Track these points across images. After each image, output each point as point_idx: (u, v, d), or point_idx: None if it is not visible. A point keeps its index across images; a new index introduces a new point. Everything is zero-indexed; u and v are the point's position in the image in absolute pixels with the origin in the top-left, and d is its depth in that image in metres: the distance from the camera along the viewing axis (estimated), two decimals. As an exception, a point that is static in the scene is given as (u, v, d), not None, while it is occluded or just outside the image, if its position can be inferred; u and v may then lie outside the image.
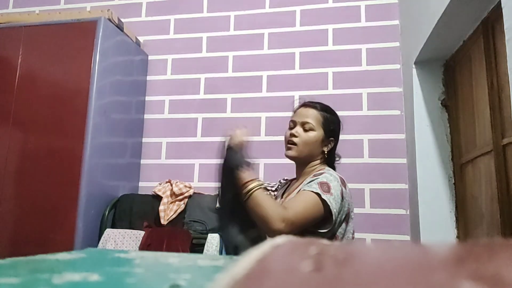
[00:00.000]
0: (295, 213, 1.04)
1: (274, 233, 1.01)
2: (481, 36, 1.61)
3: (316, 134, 1.25)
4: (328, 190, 1.10)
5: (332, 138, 1.29)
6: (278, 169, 2.18)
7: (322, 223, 1.10)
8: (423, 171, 1.97)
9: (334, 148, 1.31)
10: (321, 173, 1.17)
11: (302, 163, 1.30)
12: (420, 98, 2.03)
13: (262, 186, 1.10)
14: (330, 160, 1.31)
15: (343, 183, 1.17)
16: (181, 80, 2.57)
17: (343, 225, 1.16)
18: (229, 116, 2.45)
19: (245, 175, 1.11)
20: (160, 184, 2.30)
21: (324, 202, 1.07)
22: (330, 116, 1.30)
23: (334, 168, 1.32)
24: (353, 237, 1.23)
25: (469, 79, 1.78)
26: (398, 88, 2.31)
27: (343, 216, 1.15)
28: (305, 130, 1.25)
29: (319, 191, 1.08)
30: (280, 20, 2.52)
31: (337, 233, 1.15)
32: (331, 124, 1.28)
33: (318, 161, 1.29)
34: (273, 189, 1.66)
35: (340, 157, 1.36)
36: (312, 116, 1.26)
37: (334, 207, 1.08)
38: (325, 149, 1.27)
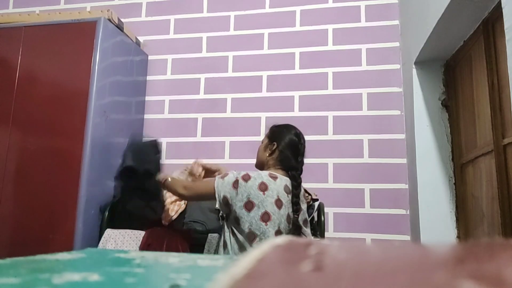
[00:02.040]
0: (194, 186, 1.56)
1: (180, 195, 1.60)
2: (481, 36, 1.61)
3: (262, 144, 1.61)
4: (223, 177, 1.46)
5: (274, 142, 1.54)
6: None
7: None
8: (423, 171, 1.97)
9: (283, 151, 1.52)
10: (238, 171, 1.48)
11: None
12: (420, 98, 2.03)
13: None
14: (283, 162, 1.52)
15: (244, 178, 1.43)
16: (181, 80, 2.57)
17: (244, 211, 1.40)
18: (229, 116, 2.45)
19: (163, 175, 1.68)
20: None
21: (214, 181, 1.46)
22: (275, 127, 1.61)
23: (292, 169, 1.51)
24: (265, 223, 1.41)
25: (469, 79, 1.78)
26: (398, 88, 2.31)
27: (241, 203, 1.40)
28: None
29: (218, 176, 1.49)
30: (280, 20, 2.52)
31: (238, 216, 1.41)
32: (273, 132, 1.59)
33: (268, 167, 1.54)
34: None
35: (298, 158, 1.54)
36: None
37: (218, 187, 1.44)
38: (267, 152, 1.55)
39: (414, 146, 2.02)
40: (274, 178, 1.45)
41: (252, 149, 2.38)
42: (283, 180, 1.47)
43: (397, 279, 0.17)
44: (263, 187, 1.41)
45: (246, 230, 1.40)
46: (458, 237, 1.90)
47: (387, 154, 2.24)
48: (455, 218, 1.92)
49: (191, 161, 2.49)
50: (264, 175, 1.45)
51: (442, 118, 2.01)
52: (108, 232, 1.96)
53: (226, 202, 1.43)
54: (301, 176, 1.53)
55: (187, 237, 1.89)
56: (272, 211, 1.41)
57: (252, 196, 1.40)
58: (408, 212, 2.15)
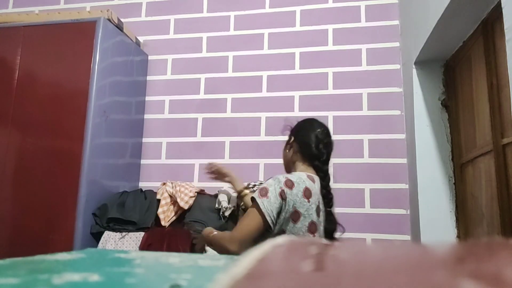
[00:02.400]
0: (240, 231, 1.24)
1: (233, 253, 1.25)
2: (481, 36, 1.61)
3: (285, 145, 1.48)
4: (265, 194, 1.24)
5: (291, 136, 1.45)
6: (278, 169, 2.18)
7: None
8: (423, 171, 1.97)
9: (299, 140, 1.42)
10: (273, 178, 1.31)
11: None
12: (420, 98, 2.03)
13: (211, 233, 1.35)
14: (305, 151, 1.39)
15: (288, 184, 1.26)
16: (181, 80, 2.56)
17: (290, 223, 1.26)
18: (229, 116, 2.45)
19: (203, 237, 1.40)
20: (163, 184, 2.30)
21: (258, 205, 1.23)
22: (295, 125, 1.50)
23: (314, 157, 1.38)
24: (313, 235, 1.30)
25: (469, 79, 1.78)
26: (398, 88, 2.31)
27: (288, 215, 1.25)
28: None
29: (256, 196, 1.25)
30: (280, 20, 2.52)
31: (283, 230, 1.26)
32: (293, 129, 1.48)
33: (296, 166, 1.41)
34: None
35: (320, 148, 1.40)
36: None
37: (267, 208, 1.22)
38: (287, 148, 1.46)
39: (414, 146, 2.02)
40: (313, 180, 1.33)
41: (252, 149, 2.39)
42: (318, 181, 1.35)
43: (397, 278, 0.17)
44: (308, 194, 1.28)
45: None
46: (458, 236, 1.90)
47: (387, 154, 2.24)
48: (455, 218, 1.92)
49: (191, 161, 2.50)
50: (304, 178, 1.31)
51: (442, 118, 2.01)
52: (108, 232, 1.96)
53: (277, 219, 1.25)
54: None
55: (187, 237, 1.89)
56: (316, 220, 1.30)
57: (297, 205, 1.26)
58: (408, 212, 2.15)
